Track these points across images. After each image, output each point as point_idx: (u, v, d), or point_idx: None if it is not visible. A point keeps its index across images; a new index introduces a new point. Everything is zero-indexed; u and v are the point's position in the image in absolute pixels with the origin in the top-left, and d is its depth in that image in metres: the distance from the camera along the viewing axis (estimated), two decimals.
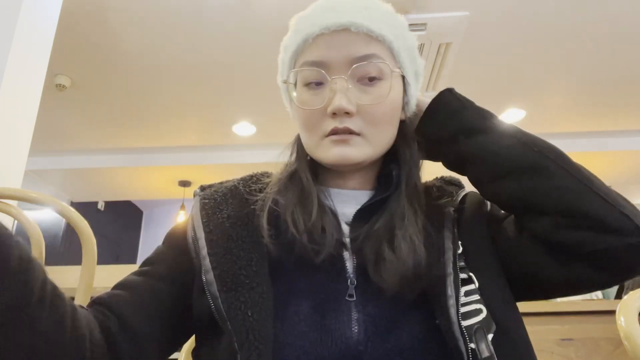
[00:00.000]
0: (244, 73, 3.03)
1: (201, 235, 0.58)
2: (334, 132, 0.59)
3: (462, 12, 2.55)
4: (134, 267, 1.39)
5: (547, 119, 3.71)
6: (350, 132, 0.59)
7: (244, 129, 3.78)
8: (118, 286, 0.59)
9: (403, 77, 0.64)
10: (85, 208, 4.79)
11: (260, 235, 0.57)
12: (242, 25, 2.61)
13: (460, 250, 0.58)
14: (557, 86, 3.29)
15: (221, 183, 0.68)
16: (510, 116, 3.65)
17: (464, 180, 0.69)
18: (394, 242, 0.57)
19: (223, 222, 0.59)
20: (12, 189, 1.02)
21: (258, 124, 3.73)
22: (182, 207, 4.96)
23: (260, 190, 0.63)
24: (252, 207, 0.61)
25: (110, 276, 1.33)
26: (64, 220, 0.99)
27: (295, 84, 0.64)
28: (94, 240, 0.97)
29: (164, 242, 0.65)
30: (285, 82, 0.66)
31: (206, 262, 0.56)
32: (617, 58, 2.96)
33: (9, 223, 1.64)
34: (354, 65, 0.59)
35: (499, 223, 0.63)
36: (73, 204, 4.80)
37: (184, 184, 4.64)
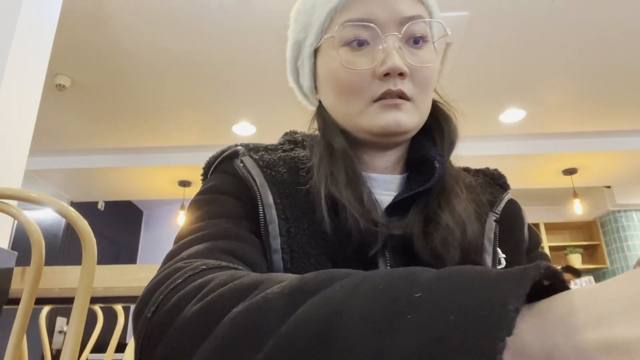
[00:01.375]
0: (244, 73, 3.03)
1: (274, 221, 0.52)
2: (387, 94, 0.53)
3: (462, 12, 2.55)
4: (134, 267, 1.40)
5: (547, 119, 3.71)
6: (402, 96, 0.54)
7: (244, 129, 3.78)
8: (230, 236, 0.49)
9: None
10: (85, 208, 4.79)
11: (322, 226, 0.51)
12: (242, 24, 2.61)
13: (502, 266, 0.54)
14: (557, 86, 3.29)
15: (267, 149, 0.60)
16: (510, 116, 3.65)
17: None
18: (449, 206, 0.52)
19: (297, 213, 0.53)
20: (12, 189, 1.02)
21: (258, 124, 3.73)
22: (182, 207, 4.96)
23: (307, 170, 0.57)
24: (307, 193, 0.55)
25: (110, 276, 1.33)
26: (64, 220, 0.99)
27: (332, 46, 0.57)
28: (94, 240, 0.97)
29: (220, 195, 0.56)
30: (325, 39, 0.58)
31: (277, 243, 0.51)
32: (617, 58, 2.96)
33: (9, 223, 1.63)
34: (407, 24, 0.54)
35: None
36: (73, 204, 4.80)
37: (184, 184, 4.64)
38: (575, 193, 4.66)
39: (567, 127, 3.82)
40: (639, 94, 3.38)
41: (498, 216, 0.58)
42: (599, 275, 5.71)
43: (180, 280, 0.36)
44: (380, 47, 0.54)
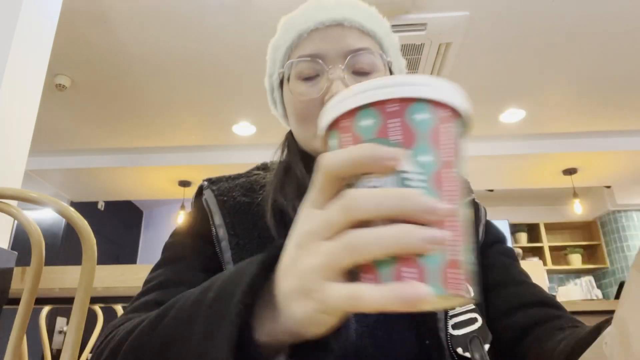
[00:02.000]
0: (244, 73, 3.03)
1: (225, 238, 0.60)
2: None
3: (462, 12, 2.55)
4: (134, 267, 1.40)
5: (547, 119, 3.71)
6: None
7: (244, 129, 3.78)
8: (171, 284, 0.56)
9: (391, 73, 0.66)
10: (85, 208, 4.78)
11: (272, 232, 0.58)
12: (242, 25, 2.61)
13: None
14: (557, 86, 3.29)
15: (228, 179, 0.68)
16: (510, 116, 3.65)
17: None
18: None
19: (248, 226, 0.60)
20: (12, 189, 1.02)
21: (258, 124, 3.73)
22: (182, 207, 4.96)
23: (262, 186, 0.65)
24: (258, 206, 0.62)
25: (110, 276, 1.33)
26: (64, 220, 0.99)
27: (288, 80, 0.65)
28: (94, 240, 0.97)
29: (182, 236, 0.64)
30: (280, 73, 0.66)
31: (228, 256, 0.58)
32: (617, 58, 2.96)
33: (9, 223, 1.63)
34: (350, 56, 0.60)
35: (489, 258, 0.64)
36: (73, 204, 4.80)
37: (184, 184, 4.64)
38: (575, 193, 4.66)
39: (567, 127, 3.82)
40: (639, 94, 3.38)
41: None
42: (599, 275, 5.72)
43: (102, 339, 0.47)
44: (326, 78, 0.61)
